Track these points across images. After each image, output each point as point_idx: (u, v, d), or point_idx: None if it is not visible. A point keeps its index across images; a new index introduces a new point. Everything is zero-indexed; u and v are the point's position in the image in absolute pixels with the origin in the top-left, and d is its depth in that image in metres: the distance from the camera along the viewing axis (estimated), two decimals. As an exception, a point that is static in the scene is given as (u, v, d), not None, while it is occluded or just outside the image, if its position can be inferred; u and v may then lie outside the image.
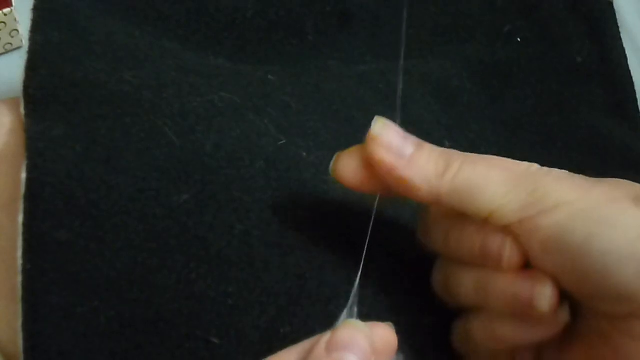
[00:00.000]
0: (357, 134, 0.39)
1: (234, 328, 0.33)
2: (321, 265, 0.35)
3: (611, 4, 0.50)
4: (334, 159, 0.33)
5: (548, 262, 0.30)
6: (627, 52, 0.49)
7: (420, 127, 0.42)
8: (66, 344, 0.32)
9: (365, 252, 0.32)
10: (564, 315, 0.31)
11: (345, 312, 0.30)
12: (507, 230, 0.31)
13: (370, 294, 0.35)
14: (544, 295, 0.30)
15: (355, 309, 0.31)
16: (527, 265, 0.31)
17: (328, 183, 0.37)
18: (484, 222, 0.31)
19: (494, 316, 0.32)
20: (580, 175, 0.33)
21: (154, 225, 0.34)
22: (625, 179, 0.44)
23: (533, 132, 0.46)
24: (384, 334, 0.29)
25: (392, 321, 0.30)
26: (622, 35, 0.50)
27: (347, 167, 0.32)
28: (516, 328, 0.31)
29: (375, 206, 0.33)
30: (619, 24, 0.50)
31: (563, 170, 0.33)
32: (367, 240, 0.32)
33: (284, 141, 0.38)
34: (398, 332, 0.30)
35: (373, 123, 0.32)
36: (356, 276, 0.32)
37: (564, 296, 0.31)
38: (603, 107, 0.48)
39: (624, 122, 0.47)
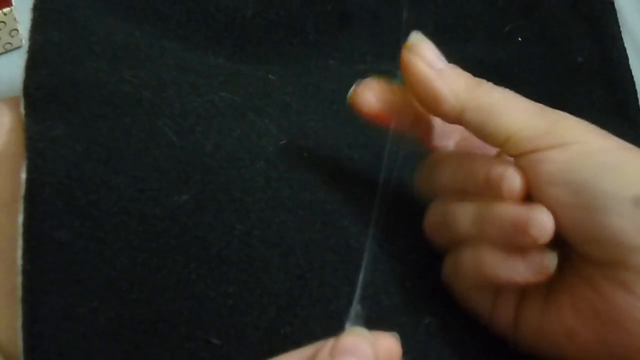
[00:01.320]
0: (357, 134, 0.39)
1: (234, 328, 0.33)
2: (321, 265, 0.35)
3: (612, 4, 0.50)
4: (353, 87, 0.34)
5: (550, 195, 0.31)
6: (628, 51, 0.49)
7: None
8: (66, 344, 0.32)
9: (365, 253, 0.32)
10: (551, 262, 0.31)
11: (352, 312, 0.30)
12: (516, 162, 0.32)
13: (370, 294, 0.35)
14: (539, 221, 0.30)
15: (359, 307, 0.31)
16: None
17: (328, 183, 0.37)
18: (498, 148, 0.32)
19: (485, 250, 0.32)
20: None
21: (154, 225, 0.34)
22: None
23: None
24: (388, 344, 0.29)
25: (392, 321, 0.30)
26: (623, 35, 0.49)
27: (367, 93, 0.33)
28: (504, 265, 0.32)
29: (389, 141, 0.34)
30: (620, 24, 0.50)
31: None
32: (368, 241, 0.32)
33: (284, 141, 0.38)
34: (399, 333, 0.30)
35: (411, 35, 0.33)
36: (356, 277, 0.32)
37: (554, 244, 0.31)
38: (604, 107, 0.47)
39: (624, 122, 0.47)
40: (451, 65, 0.33)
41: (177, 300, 0.33)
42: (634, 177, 0.30)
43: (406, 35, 0.47)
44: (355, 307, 0.31)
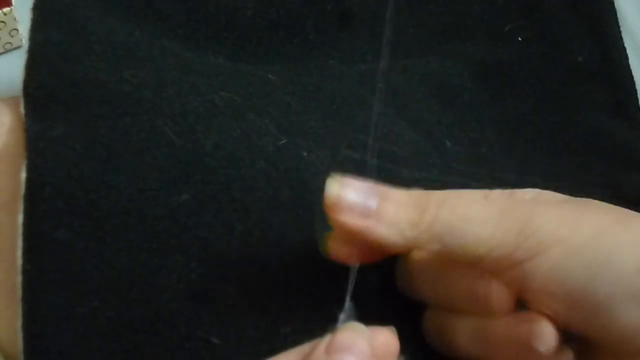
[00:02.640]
0: (357, 134, 0.39)
1: (234, 328, 0.33)
2: (321, 265, 0.35)
3: (612, 4, 0.50)
4: (323, 237, 0.31)
5: (546, 306, 0.29)
6: (628, 51, 0.49)
7: (421, 127, 0.42)
8: (66, 344, 0.32)
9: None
10: (569, 356, 0.30)
11: (342, 314, 0.30)
12: (498, 273, 0.29)
13: (370, 296, 0.35)
14: (543, 337, 0.29)
15: (351, 304, 0.30)
16: (524, 306, 0.30)
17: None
18: (472, 265, 0.29)
19: None
20: (558, 197, 0.32)
21: (154, 225, 0.34)
22: (627, 178, 0.44)
23: (534, 132, 0.46)
24: (385, 339, 0.29)
25: (392, 322, 0.30)
26: (623, 35, 0.49)
27: (338, 248, 0.31)
28: None
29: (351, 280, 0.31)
30: (620, 24, 0.50)
31: (536, 191, 0.32)
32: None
33: (285, 141, 0.38)
34: (398, 333, 0.30)
35: (326, 186, 0.29)
36: (356, 276, 0.32)
37: (568, 335, 0.29)
38: (604, 107, 0.47)
39: (625, 122, 0.47)
40: (383, 194, 0.29)
41: (177, 300, 0.33)
42: (626, 270, 0.28)
43: (406, 35, 0.47)
44: (348, 305, 0.30)
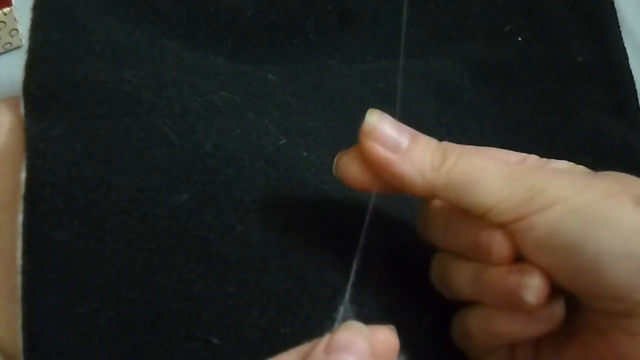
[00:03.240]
0: (357, 134, 0.39)
1: (234, 328, 0.33)
2: (321, 265, 0.35)
3: (612, 4, 0.50)
4: (336, 158, 0.33)
5: (542, 260, 0.30)
6: (627, 51, 0.49)
7: (421, 127, 0.42)
8: (66, 344, 0.32)
9: (359, 249, 0.32)
10: (559, 310, 0.31)
11: (341, 309, 0.30)
12: (503, 226, 0.30)
13: (370, 294, 0.35)
14: (531, 287, 0.30)
15: (348, 298, 0.31)
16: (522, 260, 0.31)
17: (328, 183, 0.37)
18: (480, 217, 0.31)
19: (490, 310, 0.32)
20: (582, 168, 0.33)
21: (154, 225, 0.34)
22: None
23: (534, 132, 0.46)
24: (385, 337, 0.29)
25: (392, 321, 0.30)
26: (623, 35, 0.49)
27: (349, 166, 0.32)
28: (511, 322, 0.31)
29: (371, 205, 0.32)
30: (620, 24, 0.50)
31: (563, 162, 0.33)
32: (362, 237, 0.32)
33: (284, 141, 0.38)
34: (398, 333, 0.30)
35: (367, 115, 0.31)
36: (356, 276, 0.32)
37: (560, 291, 0.30)
38: (604, 107, 0.47)
39: (624, 122, 0.47)
40: (414, 136, 0.31)
41: (177, 300, 0.33)
42: (622, 230, 0.29)
43: (406, 34, 0.47)
44: (345, 304, 0.30)
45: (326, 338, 0.28)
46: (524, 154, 0.33)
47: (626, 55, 0.49)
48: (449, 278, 0.33)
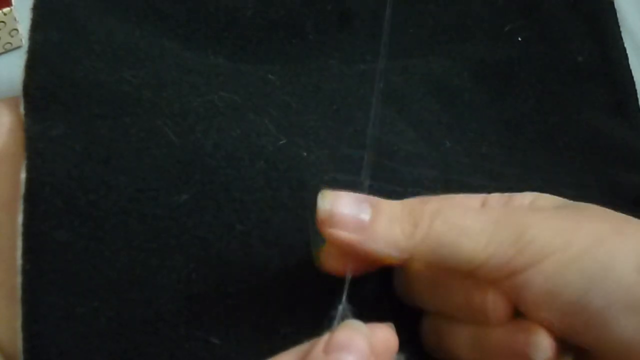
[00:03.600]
0: (357, 134, 0.39)
1: (234, 328, 0.33)
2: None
3: (612, 4, 0.50)
4: (316, 249, 0.31)
5: (542, 316, 0.29)
6: (627, 51, 0.49)
7: (421, 127, 0.42)
8: (66, 344, 0.32)
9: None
10: None
11: (340, 308, 0.30)
12: (495, 283, 0.29)
13: (370, 295, 0.35)
14: (541, 347, 0.28)
15: (346, 297, 0.30)
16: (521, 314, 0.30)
17: (328, 183, 0.37)
18: (468, 276, 0.29)
19: None
20: (550, 199, 0.31)
21: (154, 225, 0.34)
22: (627, 178, 0.44)
23: (534, 132, 0.46)
24: (384, 335, 0.29)
25: (391, 321, 0.30)
26: (623, 35, 0.49)
27: (326, 259, 0.31)
28: None
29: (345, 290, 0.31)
30: (620, 23, 0.50)
31: (526, 194, 0.31)
32: None
33: (284, 141, 0.38)
34: (397, 332, 0.30)
35: (319, 201, 0.29)
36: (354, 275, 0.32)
37: (566, 345, 0.29)
38: (604, 107, 0.47)
39: (624, 122, 0.47)
40: (376, 206, 0.29)
41: (177, 300, 0.33)
42: (625, 281, 0.27)
43: (406, 35, 0.47)
44: (344, 303, 0.30)
45: (325, 337, 0.28)
46: (483, 194, 0.31)
47: (626, 55, 0.49)
48: (446, 344, 0.32)
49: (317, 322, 0.33)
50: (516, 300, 0.29)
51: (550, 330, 0.29)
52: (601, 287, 0.27)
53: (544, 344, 0.28)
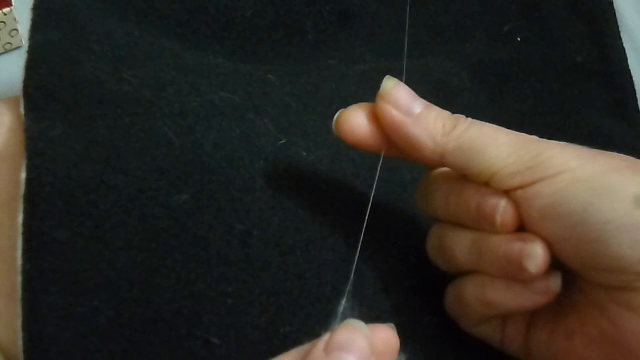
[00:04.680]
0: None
1: (234, 328, 0.33)
2: (321, 265, 0.35)
3: (611, 4, 0.50)
4: (337, 114, 0.33)
5: (545, 230, 0.30)
6: (627, 51, 0.49)
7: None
8: (66, 344, 0.32)
9: (358, 249, 0.32)
10: (556, 284, 0.31)
11: (341, 308, 0.30)
12: (507, 195, 0.31)
13: (370, 294, 0.35)
14: (533, 255, 0.30)
15: (347, 297, 0.31)
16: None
17: (328, 183, 0.37)
18: (485, 184, 0.31)
19: (486, 280, 0.32)
20: (586, 148, 0.33)
21: (153, 225, 0.34)
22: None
23: (533, 132, 0.46)
24: (386, 336, 0.29)
25: (392, 321, 0.30)
26: (622, 35, 0.50)
27: (351, 122, 0.33)
28: (507, 293, 0.31)
29: (380, 167, 0.33)
30: (619, 24, 0.50)
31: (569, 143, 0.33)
32: (361, 236, 0.32)
33: (284, 141, 0.38)
34: (398, 333, 0.30)
35: (384, 81, 0.32)
36: (356, 276, 0.32)
37: (558, 266, 0.30)
38: (603, 107, 0.48)
39: (624, 121, 0.47)
40: (427, 105, 0.32)
41: (177, 300, 0.33)
42: (628, 201, 0.29)
43: (406, 35, 0.47)
44: (345, 303, 0.30)
45: (326, 337, 0.27)
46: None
47: (625, 55, 0.49)
48: (446, 247, 0.33)
49: (317, 322, 0.33)
50: (524, 211, 0.30)
51: (549, 245, 0.30)
52: (605, 203, 0.29)
53: (538, 253, 0.30)
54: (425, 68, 0.46)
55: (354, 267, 0.32)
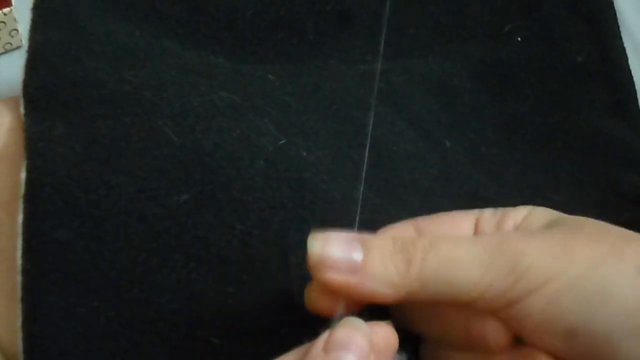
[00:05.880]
0: (357, 134, 0.39)
1: (234, 328, 0.33)
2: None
3: (611, 4, 0.50)
4: (305, 292, 0.30)
5: (543, 343, 0.28)
6: (627, 51, 0.49)
7: (421, 127, 0.42)
8: (66, 344, 0.32)
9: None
10: None
11: (340, 307, 0.30)
12: (494, 313, 0.29)
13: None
14: None
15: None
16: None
17: (328, 183, 0.37)
18: (467, 306, 0.29)
19: None
20: (544, 212, 0.31)
21: (154, 225, 0.34)
22: (626, 178, 0.44)
23: (533, 132, 0.46)
24: (385, 333, 0.29)
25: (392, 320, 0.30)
26: (623, 35, 0.49)
27: (317, 300, 0.30)
28: None
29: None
30: (619, 24, 0.50)
31: (520, 208, 0.31)
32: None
33: (284, 141, 0.38)
34: (400, 333, 0.30)
35: (308, 245, 0.28)
36: None
37: None
38: (603, 107, 0.47)
39: (624, 122, 0.47)
40: (366, 243, 0.28)
41: (177, 300, 0.33)
42: (627, 304, 0.27)
43: (406, 35, 0.47)
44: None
45: (325, 335, 0.27)
46: (477, 210, 0.31)
47: (626, 55, 0.49)
48: None
49: (317, 322, 0.33)
50: (516, 329, 0.29)
51: (552, 356, 0.28)
52: (602, 312, 0.27)
53: None
54: (425, 68, 0.46)
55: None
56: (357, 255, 0.28)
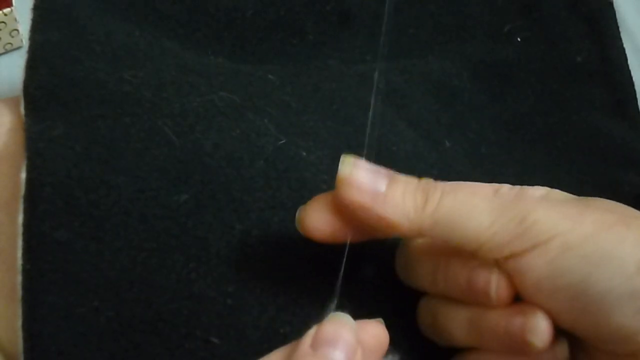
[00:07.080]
0: (357, 134, 0.39)
1: (233, 328, 0.33)
2: (320, 264, 0.35)
3: (611, 4, 0.50)
4: (298, 212, 0.31)
5: (543, 301, 0.29)
6: (627, 51, 0.49)
7: (420, 127, 0.42)
8: (66, 344, 0.32)
9: (345, 251, 0.31)
10: (563, 353, 0.30)
11: (332, 306, 0.30)
12: (496, 264, 0.29)
13: (368, 295, 0.35)
14: (537, 331, 0.28)
15: (338, 294, 0.30)
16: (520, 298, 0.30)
17: (328, 183, 0.37)
18: (472, 255, 0.29)
19: (489, 356, 0.31)
20: (560, 193, 0.32)
21: (153, 225, 0.34)
22: (626, 178, 0.44)
23: (533, 132, 0.46)
24: (375, 331, 0.29)
25: (390, 322, 0.30)
26: (622, 35, 0.50)
27: (314, 218, 0.30)
28: None
29: (346, 253, 0.31)
30: (619, 24, 0.50)
31: (538, 187, 0.32)
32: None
33: (284, 141, 0.38)
34: (394, 332, 0.30)
35: (340, 164, 0.30)
36: (350, 275, 0.32)
37: (562, 332, 0.29)
38: (603, 107, 0.48)
39: (624, 122, 0.47)
40: (391, 178, 0.30)
41: (177, 300, 0.33)
42: (625, 267, 0.27)
43: (406, 35, 0.47)
44: (336, 296, 0.30)
45: (312, 331, 0.27)
46: (496, 184, 0.32)
47: (625, 55, 0.49)
48: (440, 325, 0.32)
49: (316, 322, 0.33)
50: (518, 283, 0.29)
51: (550, 315, 0.29)
52: (602, 272, 0.27)
53: (541, 326, 0.28)
54: (425, 68, 0.46)
55: (343, 265, 0.31)
56: (381, 185, 0.30)
